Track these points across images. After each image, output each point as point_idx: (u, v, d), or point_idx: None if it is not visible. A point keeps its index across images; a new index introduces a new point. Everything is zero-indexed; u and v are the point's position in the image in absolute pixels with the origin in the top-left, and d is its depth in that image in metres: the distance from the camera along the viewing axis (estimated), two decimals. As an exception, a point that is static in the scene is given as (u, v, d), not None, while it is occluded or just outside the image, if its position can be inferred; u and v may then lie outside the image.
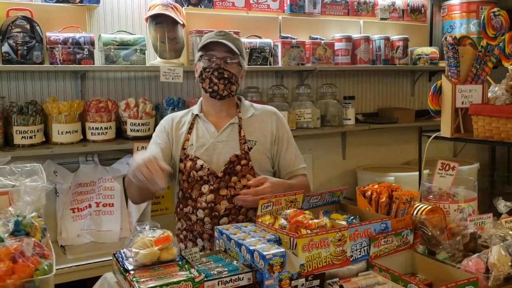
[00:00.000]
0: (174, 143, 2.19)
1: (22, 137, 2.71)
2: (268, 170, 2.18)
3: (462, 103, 2.58)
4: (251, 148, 2.13)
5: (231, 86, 2.13)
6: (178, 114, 2.28)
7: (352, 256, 1.53)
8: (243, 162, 2.09)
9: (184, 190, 2.14)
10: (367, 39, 3.76)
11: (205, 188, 2.08)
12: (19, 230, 1.25)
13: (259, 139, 2.16)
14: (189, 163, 2.11)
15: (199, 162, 2.09)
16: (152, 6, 3.04)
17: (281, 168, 2.20)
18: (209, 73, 2.09)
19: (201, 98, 2.27)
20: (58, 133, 2.79)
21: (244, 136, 2.14)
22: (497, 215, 1.82)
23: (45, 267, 1.14)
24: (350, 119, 3.77)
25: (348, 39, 3.70)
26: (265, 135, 2.17)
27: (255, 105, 2.29)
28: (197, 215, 2.09)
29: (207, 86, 2.11)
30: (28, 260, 1.14)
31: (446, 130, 2.66)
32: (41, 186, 1.36)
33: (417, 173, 3.01)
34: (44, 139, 2.82)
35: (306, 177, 2.24)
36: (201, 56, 2.13)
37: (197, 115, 2.21)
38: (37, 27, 2.73)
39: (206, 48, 2.12)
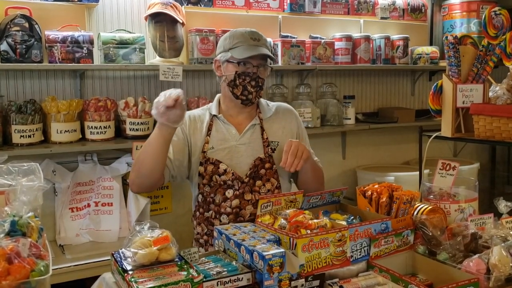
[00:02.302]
0: (192, 142, 2.11)
1: (21, 136, 2.69)
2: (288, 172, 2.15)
3: (463, 102, 2.57)
4: (274, 149, 2.09)
5: (261, 91, 2.09)
6: (194, 112, 2.21)
7: (352, 256, 1.53)
8: (267, 165, 2.06)
9: (206, 195, 2.08)
10: (367, 39, 3.75)
11: (230, 193, 2.03)
12: (15, 230, 1.23)
13: (281, 139, 2.12)
14: (210, 167, 2.05)
15: (222, 166, 2.04)
16: (151, 5, 3.03)
17: None
18: (245, 81, 2.03)
19: (217, 97, 2.20)
20: (57, 132, 2.78)
21: (267, 138, 2.10)
22: (498, 215, 1.81)
23: (41, 268, 1.13)
24: (350, 119, 3.76)
25: (348, 38, 3.69)
26: (286, 134, 2.14)
27: (269, 103, 2.26)
28: (220, 220, 2.04)
29: (239, 93, 2.04)
30: (24, 261, 1.12)
31: (446, 129, 2.65)
32: (38, 185, 1.35)
33: (417, 173, 3.00)
34: (42, 138, 2.81)
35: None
36: (237, 63, 2.03)
37: (215, 115, 2.14)
38: (36, 26, 2.71)
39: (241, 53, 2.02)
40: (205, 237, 2.11)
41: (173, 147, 2.05)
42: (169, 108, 1.79)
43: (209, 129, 2.12)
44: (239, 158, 2.07)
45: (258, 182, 2.05)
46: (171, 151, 2.05)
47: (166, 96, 1.80)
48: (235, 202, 2.02)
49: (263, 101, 2.23)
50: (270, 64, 2.12)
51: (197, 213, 2.15)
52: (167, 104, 1.78)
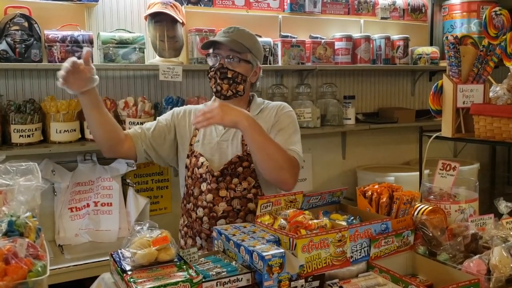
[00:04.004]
0: (178, 134, 2.18)
1: (20, 135, 2.69)
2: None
3: (463, 102, 2.57)
4: None
5: (237, 86, 2.08)
6: (193, 106, 2.28)
7: (352, 257, 1.52)
8: (244, 164, 2.06)
9: (188, 186, 2.14)
10: (368, 39, 3.75)
11: (204, 187, 2.07)
12: (13, 230, 1.22)
13: None
14: (193, 160, 2.11)
15: (201, 160, 2.08)
16: (151, 4, 3.02)
17: None
18: (213, 73, 2.07)
19: None
20: (56, 132, 2.77)
21: None
22: (498, 215, 1.81)
23: (39, 269, 1.12)
24: (350, 119, 3.76)
25: (349, 38, 3.68)
26: (268, 131, 2.10)
27: (267, 102, 2.24)
28: (196, 213, 2.08)
29: (213, 86, 2.09)
30: (21, 261, 1.11)
31: (447, 130, 2.64)
32: (36, 185, 1.34)
33: (417, 173, 3.00)
34: (42, 138, 2.80)
35: (296, 159, 2.02)
36: (207, 54, 2.12)
37: None
38: (35, 25, 2.71)
39: (213, 45, 2.10)
40: (185, 228, 2.16)
41: (155, 128, 2.16)
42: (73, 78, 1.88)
43: None
44: (220, 154, 2.09)
45: (235, 180, 2.05)
46: (152, 129, 2.15)
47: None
48: (209, 196, 2.05)
49: (259, 100, 2.23)
50: (247, 58, 2.08)
51: (182, 204, 2.21)
52: (63, 79, 1.87)
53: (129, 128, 2.92)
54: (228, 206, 2.03)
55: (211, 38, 2.10)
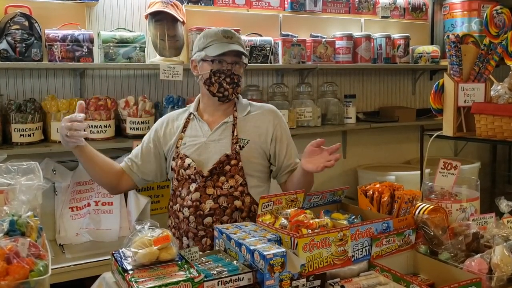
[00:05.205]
0: (163, 142, 2.20)
1: (21, 135, 2.69)
2: (260, 170, 2.15)
3: (465, 101, 2.57)
4: (243, 147, 2.10)
5: (238, 88, 2.13)
6: (176, 112, 2.29)
7: (353, 256, 1.52)
8: (233, 162, 2.07)
9: (175, 188, 2.16)
10: (368, 38, 3.74)
11: (193, 187, 2.07)
12: (14, 229, 1.22)
13: (252, 138, 2.12)
14: (179, 161, 2.12)
15: (187, 161, 2.09)
16: (151, 3, 3.02)
17: (283, 165, 2.17)
18: (220, 78, 2.07)
19: (198, 96, 2.25)
20: (57, 131, 2.75)
21: (236, 135, 2.11)
22: (499, 214, 1.81)
23: (41, 268, 1.12)
24: (351, 118, 3.76)
25: (349, 37, 3.68)
26: (259, 134, 2.14)
27: (253, 103, 2.26)
28: (183, 213, 2.08)
29: (216, 91, 2.09)
30: (23, 261, 1.11)
31: (448, 129, 2.64)
32: (37, 185, 1.34)
33: (418, 172, 3.00)
34: (42, 137, 2.81)
35: None
36: (212, 61, 2.07)
37: (192, 113, 2.20)
38: (36, 24, 2.71)
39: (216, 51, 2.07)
40: (173, 230, 2.16)
41: (142, 151, 2.21)
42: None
43: (185, 126, 2.18)
44: (208, 154, 2.10)
45: (222, 178, 2.06)
46: (139, 154, 2.21)
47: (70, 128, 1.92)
48: (195, 195, 2.05)
49: (244, 100, 2.25)
50: (245, 60, 2.14)
51: (169, 206, 2.22)
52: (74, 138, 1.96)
53: (130, 129, 2.95)
54: (215, 204, 2.03)
55: (229, 48, 2.04)
